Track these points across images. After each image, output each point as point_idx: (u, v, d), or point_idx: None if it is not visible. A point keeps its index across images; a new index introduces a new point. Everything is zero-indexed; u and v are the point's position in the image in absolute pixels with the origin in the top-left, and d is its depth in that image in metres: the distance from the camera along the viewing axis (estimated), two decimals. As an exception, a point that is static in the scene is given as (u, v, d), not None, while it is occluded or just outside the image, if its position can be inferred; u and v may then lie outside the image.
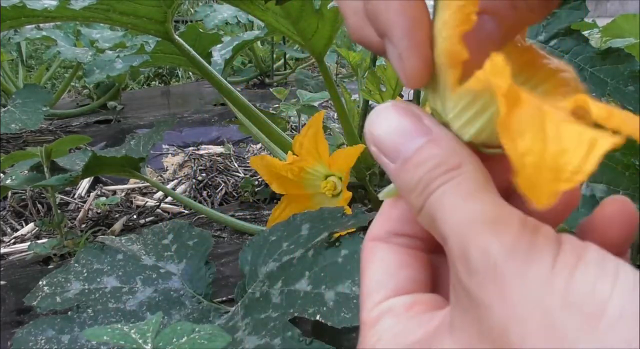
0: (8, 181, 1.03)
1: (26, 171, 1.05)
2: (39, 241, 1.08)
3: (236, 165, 1.50)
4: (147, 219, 1.22)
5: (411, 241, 0.25)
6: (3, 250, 1.09)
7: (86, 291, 0.66)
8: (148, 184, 1.29)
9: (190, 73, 2.73)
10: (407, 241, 0.25)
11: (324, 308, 0.53)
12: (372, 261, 0.25)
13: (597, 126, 0.18)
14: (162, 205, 1.27)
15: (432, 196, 0.21)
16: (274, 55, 2.41)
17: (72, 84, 2.31)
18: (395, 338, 0.22)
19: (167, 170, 1.50)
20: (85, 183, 1.38)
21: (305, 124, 0.89)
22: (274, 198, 1.23)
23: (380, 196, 0.26)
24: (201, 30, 1.43)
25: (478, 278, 0.19)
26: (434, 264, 0.26)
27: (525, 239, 0.19)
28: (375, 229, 0.26)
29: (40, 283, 0.67)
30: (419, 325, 0.22)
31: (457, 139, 0.22)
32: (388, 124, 0.23)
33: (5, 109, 1.38)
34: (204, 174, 1.43)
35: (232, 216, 1.14)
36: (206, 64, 1.01)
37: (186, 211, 1.25)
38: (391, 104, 0.23)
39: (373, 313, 0.24)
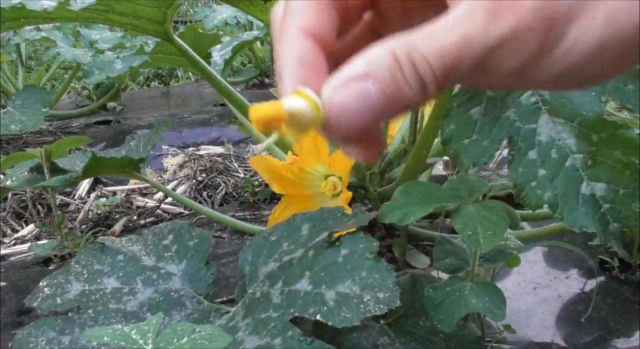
0: (8, 182, 1.03)
1: (26, 172, 1.05)
2: (39, 242, 1.08)
3: (236, 165, 1.50)
4: (148, 220, 1.22)
5: None
6: (3, 251, 1.09)
7: (86, 292, 0.66)
8: (148, 184, 1.29)
9: (190, 73, 2.73)
10: None
11: (325, 308, 0.53)
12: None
13: None
14: (162, 206, 1.27)
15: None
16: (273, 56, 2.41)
17: (72, 85, 2.31)
18: None
19: (167, 170, 1.50)
20: (85, 184, 1.38)
21: (305, 124, 0.89)
22: (274, 198, 1.23)
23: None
24: (200, 30, 1.43)
25: None
26: None
27: None
28: None
29: (40, 284, 0.67)
30: None
31: None
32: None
33: (5, 110, 1.38)
34: (204, 175, 1.43)
35: (232, 216, 1.14)
36: (206, 65, 1.01)
37: (186, 212, 1.25)
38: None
39: None
